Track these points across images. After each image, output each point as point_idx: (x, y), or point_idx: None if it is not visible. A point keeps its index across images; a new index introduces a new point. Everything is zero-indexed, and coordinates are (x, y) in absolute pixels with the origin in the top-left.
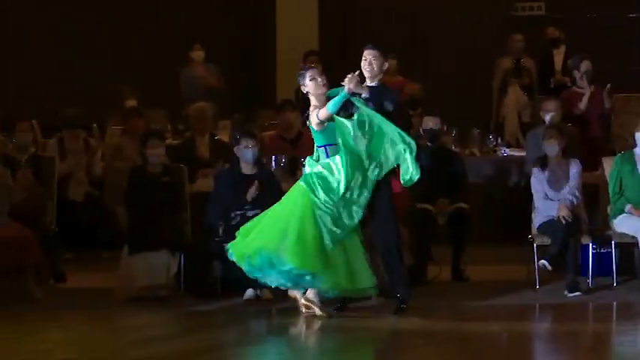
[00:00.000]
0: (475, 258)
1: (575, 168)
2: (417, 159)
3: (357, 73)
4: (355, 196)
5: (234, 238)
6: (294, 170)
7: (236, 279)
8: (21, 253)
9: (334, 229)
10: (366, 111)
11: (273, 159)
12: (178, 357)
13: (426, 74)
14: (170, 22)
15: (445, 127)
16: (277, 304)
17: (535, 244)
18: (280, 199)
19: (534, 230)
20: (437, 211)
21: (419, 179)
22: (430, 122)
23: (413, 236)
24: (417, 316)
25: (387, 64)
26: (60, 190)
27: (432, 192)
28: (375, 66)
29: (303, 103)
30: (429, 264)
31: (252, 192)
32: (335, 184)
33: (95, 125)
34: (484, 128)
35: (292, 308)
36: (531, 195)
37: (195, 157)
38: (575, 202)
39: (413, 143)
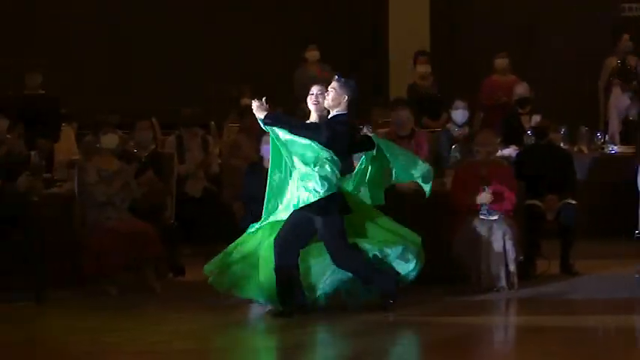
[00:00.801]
0: (583, 253)
1: None
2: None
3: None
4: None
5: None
6: None
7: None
8: (141, 248)
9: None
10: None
11: None
12: (295, 347)
13: (537, 72)
14: (286, 22)
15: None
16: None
17: None
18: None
19: None
20: (546, 207)
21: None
22: (538, 120)
23: (522, 232)
24: (526, 309)
25: (345, 97)
26: (179, 186)
27: (541, 188)
28: (330, 97)
29: (415, 101)
30: (538, 259)
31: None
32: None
33: (213, 123)
34: (593, 126)
35: (401, 304)
36: (638, 191)
37: None
38: None
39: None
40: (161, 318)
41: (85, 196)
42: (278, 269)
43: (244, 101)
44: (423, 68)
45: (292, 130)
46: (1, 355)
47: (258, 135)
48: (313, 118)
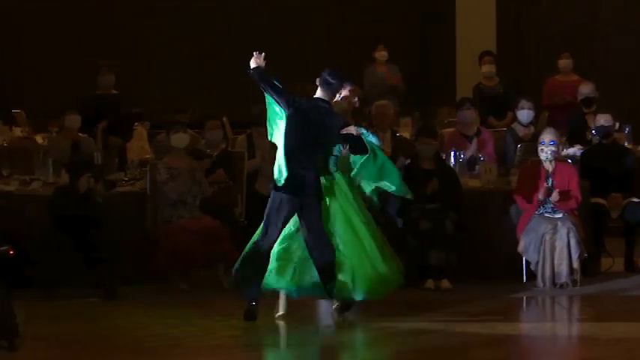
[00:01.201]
0: None
1: None
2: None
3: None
4: None
5: (414, 230)
6: (472, 166)
7: (417, 269)
8: (212, 244)
9: None
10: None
11: (453, 155)
12: (358, 344)
13: (601, 72)
14: (354, 22)
15: (618, 125)
16: (456, 295)
17: None
18: (459, 193)
19: None
20: (610, 205)
21: None
22: (602, 119)
23: (587, 230)
24: (589, 306)
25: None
26: (249, 184)
27: (605, 187)
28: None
29: (481, 101)
30: (603, 256)
31: (431, 187)
32: None
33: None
34: None
35: (469, 299)
36: None
37: None
38: None
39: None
40: (230, 313)
41: (157, 195)
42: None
43: None
44: (489, 68)
45: (265, 89)
46: (75, 350)
47: None
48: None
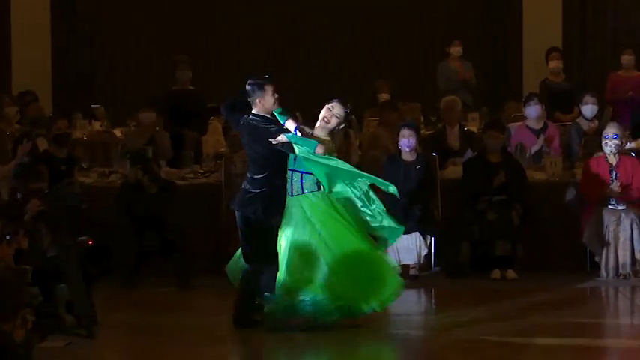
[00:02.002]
0: None
1: None
2: None
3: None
4: None
5: (481, 221)
6: (538, 159)
7: (483, 259)
8: None
9: None
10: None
11: (519, 148)
12: (426, 334)
13: None
14: (426, 21)
15: None
16: (521, 285)
17: None
18: (525, 186)
19: None
20: None
21: None
22: None
23: None
24: None
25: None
26: None
27: None
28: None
29: (547, 96)
30: None
31: (498, 179)
32: None
33: (353, 117)
34: None
35: (534, 289)
36: None
37: (446, 147)
38: None
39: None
40: None
41: (232, 186)
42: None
43: (382, 96)
44: (556, 64)
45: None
46: (150, 338)
47: (396, 128)
48: (319, 133)
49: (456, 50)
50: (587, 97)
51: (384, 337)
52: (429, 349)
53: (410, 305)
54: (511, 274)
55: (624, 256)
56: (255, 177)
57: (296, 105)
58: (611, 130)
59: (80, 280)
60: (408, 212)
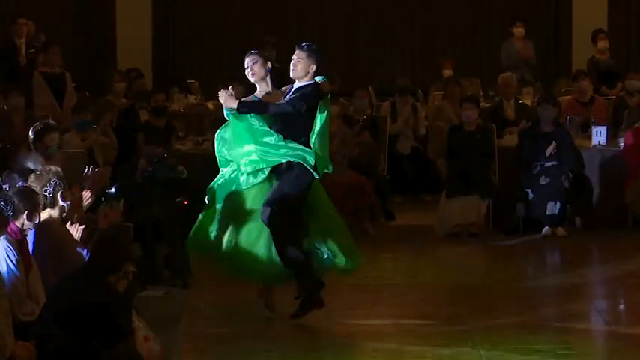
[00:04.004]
0: None
1: None
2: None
3: (230, 88)
4: None
5: (535, 186)
6: (586, 129)
7: (536, 219)
8: (358, 197)
9: None
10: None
11: (569, 119)
12: (484, 284)
13: None
14: (485, 3)
15: None
16: (570, 241)
17: None
18: (574, 153)
19: None
20: None
21: None
22: None
23: None
24: None
25: (314, 67)
26: (390, 145)
27: None
28: (298, 67)
29: (594, 72)
30: None
31: (550, 148)
32: None
33: (420, 91)
34: None
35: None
36: None
37: (503, 118)
38: None
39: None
40: (374, 257)
41: None
42: None
43: (446, 72)
44: (603, 45)
45: (267, 112)
46: (240, 289)
47: (458, 101)
48: (261, 89)
49: (518, 31)
50: (631, 74)
51: (444, 287)
52: (487, 298)
53: (469, 259)
54: (560, 231)
55: None
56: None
57: (366, 81)
58: None
59: (177, 236)
60: (469, 177)
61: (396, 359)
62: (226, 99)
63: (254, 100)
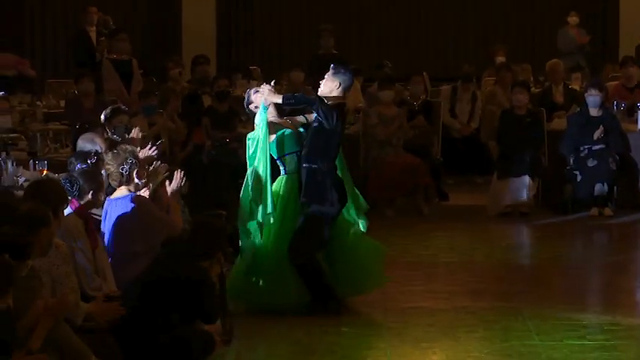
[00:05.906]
0: None
1: None
2: None
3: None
4: None
5: (583, 168)
6: (632, 113)
7: (583, 199)
8: (413, 177)
9: None
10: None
11: (615, 104)
12: (534, 262)
13: None
14: None
15: None
16: (617, 220)
17: None
18: (620, 136)
19: None
20: None
21: None
22: None
23: None
24: None
25: (337, 84)
26: (445, 129)
27: None
28: (322, 86)
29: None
30: None
31: (598, 132)
32: None
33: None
34: None
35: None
36: None
37: (552, 102)
38: None
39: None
40: (428, 235)
41: (369, 136)
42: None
43: (498, 59)
44: None
45: (312, 106)
46: None
47: (510, 87)
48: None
49: (572, 20)
50: None
51: (495, 265)
52: (536, 275)
53: (520, 238)
54: (607, 211)
55: None
56: None
57: (421, 67)
58: None
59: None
60: (519, 158)
61: (449, 333)
62: (268, 93)
63: (296, 95)
